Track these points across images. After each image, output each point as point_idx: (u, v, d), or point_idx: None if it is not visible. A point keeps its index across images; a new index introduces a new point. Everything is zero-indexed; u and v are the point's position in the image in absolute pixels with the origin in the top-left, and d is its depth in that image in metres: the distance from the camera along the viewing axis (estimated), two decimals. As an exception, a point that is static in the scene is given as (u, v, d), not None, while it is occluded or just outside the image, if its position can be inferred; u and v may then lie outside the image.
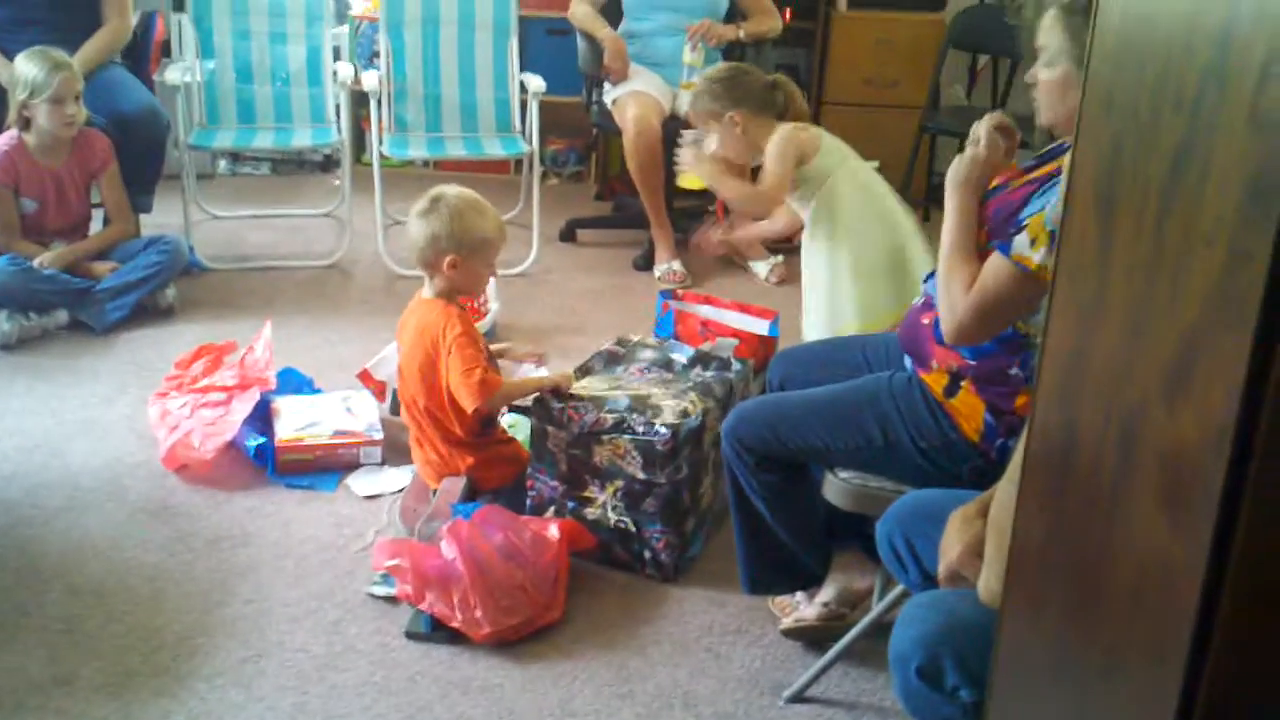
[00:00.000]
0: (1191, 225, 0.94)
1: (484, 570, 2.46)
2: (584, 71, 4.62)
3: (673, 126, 4.41)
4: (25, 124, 3.77)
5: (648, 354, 2.97)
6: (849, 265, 2.96)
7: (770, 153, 3.02)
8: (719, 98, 3.07)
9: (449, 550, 2.47)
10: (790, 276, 4.38)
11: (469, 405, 2.73)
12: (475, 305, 3.44)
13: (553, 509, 2.73)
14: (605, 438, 2.64)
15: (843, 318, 2.97)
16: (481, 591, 2.43)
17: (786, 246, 4.68)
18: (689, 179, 3.41)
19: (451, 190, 2.85)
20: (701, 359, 2.94)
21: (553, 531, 2.59)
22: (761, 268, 4.53)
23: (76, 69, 3.79)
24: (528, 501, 2.77)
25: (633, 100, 4.39)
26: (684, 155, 3.19)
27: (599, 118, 4.66)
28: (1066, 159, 2.04)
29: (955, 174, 2.22)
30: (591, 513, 2.70)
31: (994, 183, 2.25)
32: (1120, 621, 1.09)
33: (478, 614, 2.42)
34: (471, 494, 2.80)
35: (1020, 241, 2.01)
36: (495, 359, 2.95)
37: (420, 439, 2.90)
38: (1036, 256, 1.99)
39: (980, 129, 2.23)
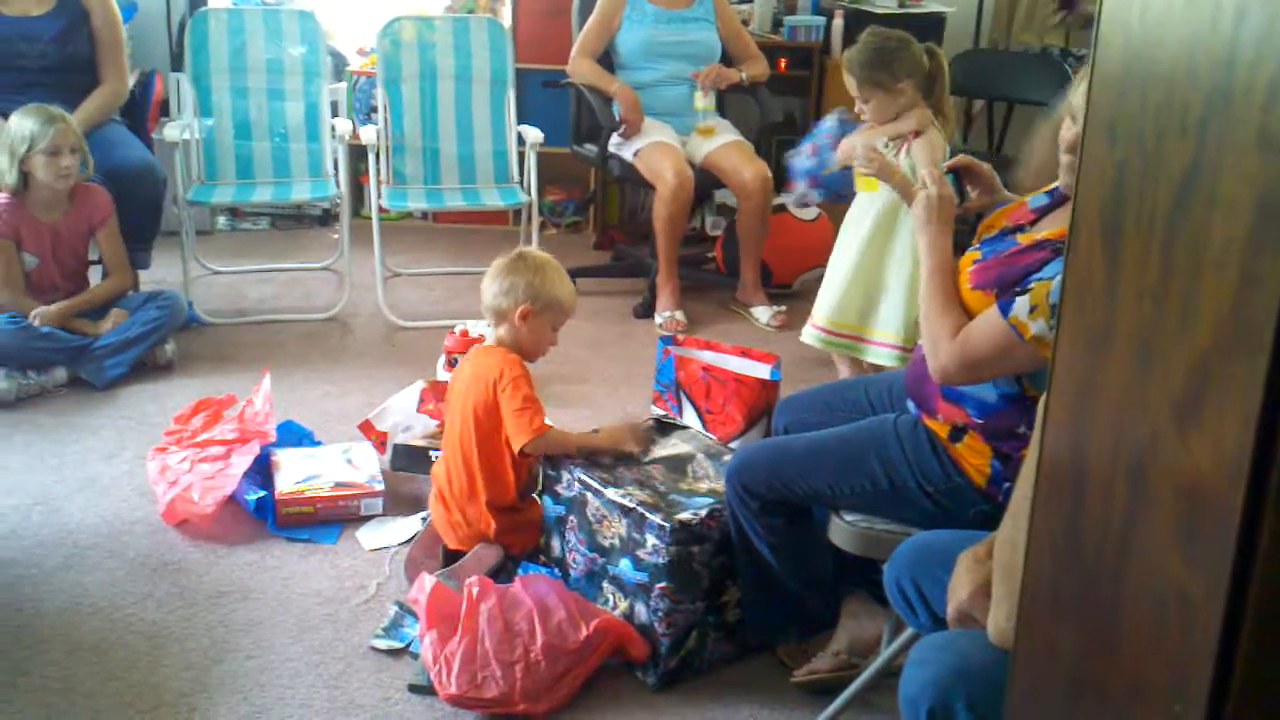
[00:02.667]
0: (1201, 250, 0.92)
1: (478, 634, 2.38)
2: (603, 125, 4.58)
3: (694, 174, 4.44)
4: (25, 182, 3.78)
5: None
6: None
7: (921, 159, 3.17)
8: (890, 67, 3.10)
9: (464, 601, 2.44)
10: (790, 323, 4.38)
11: (518, 441, 2.67)
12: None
13: (695, 633, 2.49)
14: None
15: None
16: (464, 653, 2.36)
17: (787, 293, 4.69)
18: (868, 183, 3.34)
19: (536, 250, 2.89)
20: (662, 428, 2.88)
21: (585, 627, 2.42)
22: (763, 313, 4.53)
23: (73, 122, 3.80)
24: (665, 635, 2.47)
25: (660, 151, 4.41)
26: (869, 159, 3.00)
27: (621, 171, 4.61)
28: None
29: (917, 218, 2.27)
30: (733, 615, 2.54)
31: (1004, 223, 2.24)
32: (1138, 660, 1.07)
33: (450, 673, 2.35)
34: (504, 562, 2.75)
35: (1021, 305, 1.99)
36: None
37: (447, 499, 2.81)
38: (1033, 327, 1.97)
39: (922, 170, 2.33)
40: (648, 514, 2.43)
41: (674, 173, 4.33)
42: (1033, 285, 1.99)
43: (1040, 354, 1.98)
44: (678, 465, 2.69)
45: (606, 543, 2.55)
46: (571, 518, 2.66)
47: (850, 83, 3.21)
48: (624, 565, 2.51)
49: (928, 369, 2.20)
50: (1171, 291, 0.97)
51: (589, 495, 2.58)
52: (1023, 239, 2.15)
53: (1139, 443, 1.04)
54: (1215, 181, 0.91)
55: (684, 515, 2.43)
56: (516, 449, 2.70)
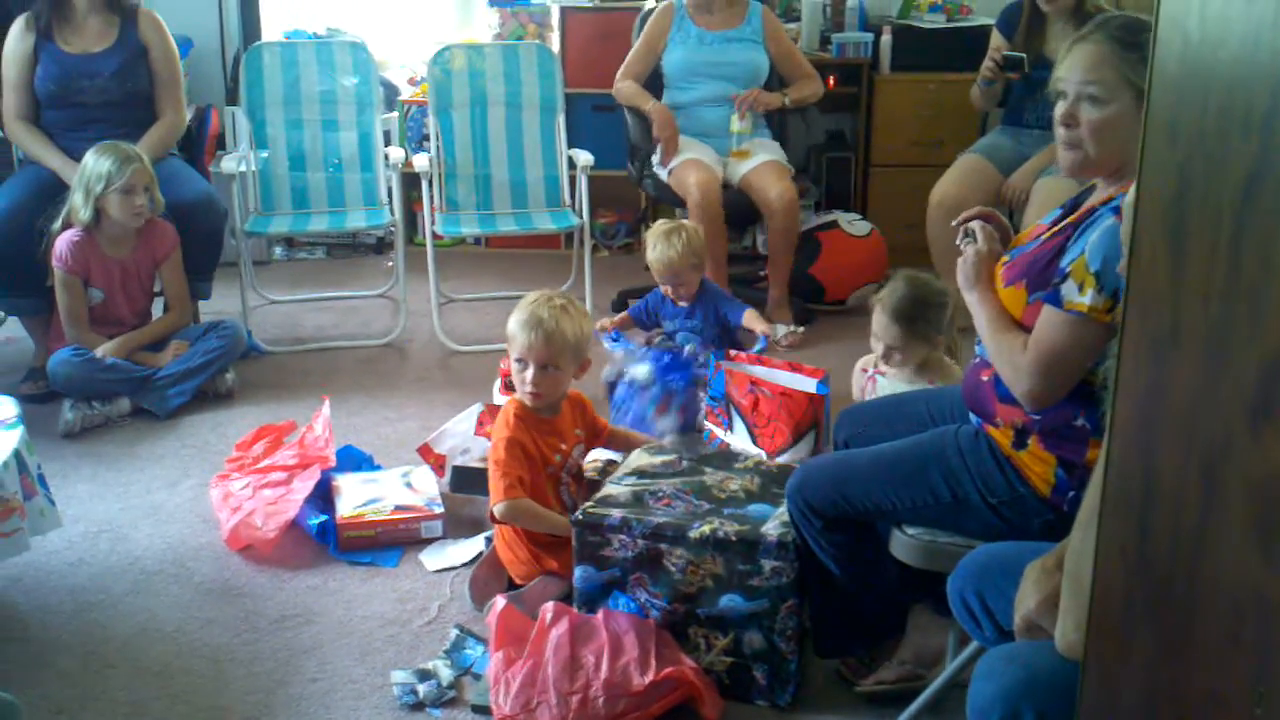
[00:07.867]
0: (1269, 247, 0.92)
1: (543, 659, 2.36)
2: (637, 145, 4.63)
3: (729, 195, 4.46)
4: (97, 218, 3.84)
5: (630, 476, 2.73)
6: None
7: None
8: (938, 321, 2.97)
9: (535, 625, 2.44)
10: (802, 346, 4.37)
11: (491, 503, 2.74)
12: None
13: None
14: None
15: None
16: (525, 676, 2.35)
17: (841, 310, 4.67)
18: None
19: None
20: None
21: (653, 673, 2.33)
22: (780, 330, 4.47)
23: (147, 162, 3.86)
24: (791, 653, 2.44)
25: (690, 168, 4.43)
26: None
27: (655, 190, 4.67)
28: (1128, 196, 2.03)
29: (965, 276, 2.28)
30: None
31: (1024, 239, 2.26)
32: (1216, 663, 1.05)
33: (508, 695, 2.34)
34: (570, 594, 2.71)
35: (1068, 289, 2.02)
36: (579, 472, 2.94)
37: (500, 538, 2.84)
38: (1085, 300, 2.00)
39: (974, 226, 2.31)
40: (759, 539, 2.39)
41: (698, 187, 4.33)
42: (1069, 269, 2.03)
43: (1102, 323, 2.00)
44: (692, 474, 2.69)
45: (693, 589, 2.45)
46: (638, 575, 2.49)
47: (891, 330, 2.93)
48: (727, 601, 2.43)
49: (982, 381, 2.19)
50: (1240, 290, 0.97)
51: (663, 546, 2.46)
52: (1045, 235, 2.19)
53: (1211, 445, 1.03)
54: (1282, 177, 0.90)
55: (777, 530, 2.41)
56: (491, 508, 2.75)
